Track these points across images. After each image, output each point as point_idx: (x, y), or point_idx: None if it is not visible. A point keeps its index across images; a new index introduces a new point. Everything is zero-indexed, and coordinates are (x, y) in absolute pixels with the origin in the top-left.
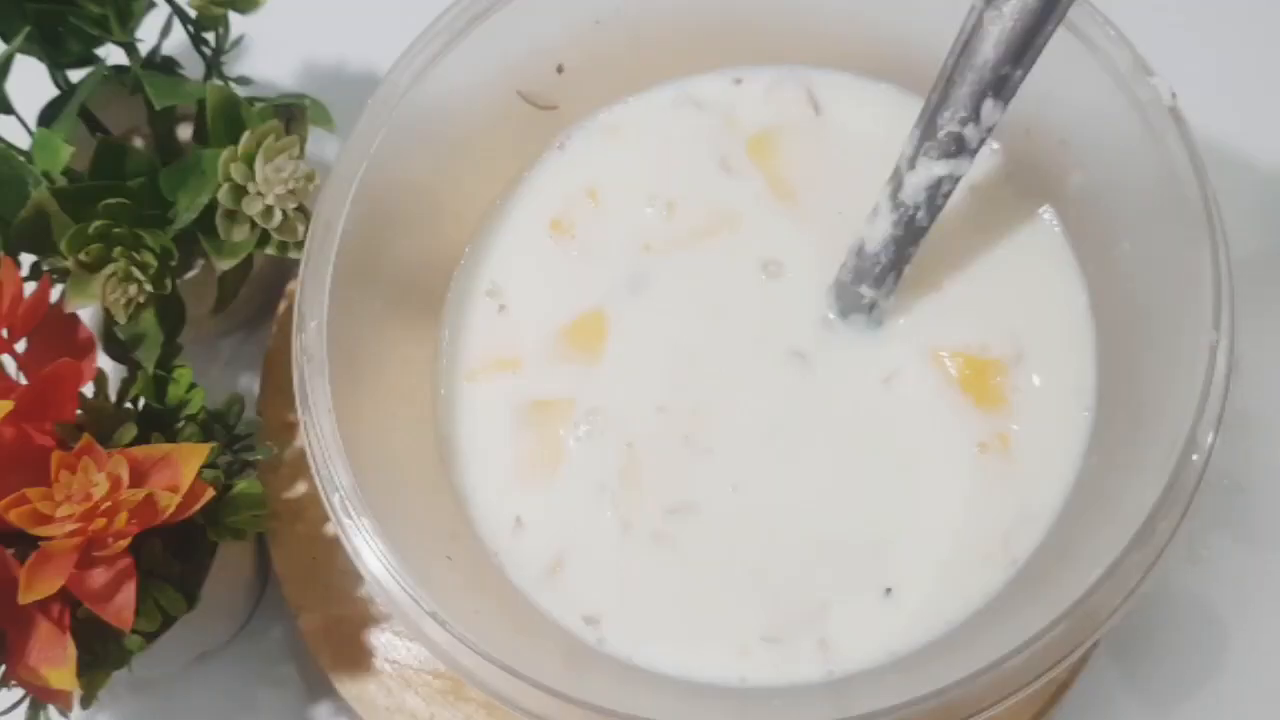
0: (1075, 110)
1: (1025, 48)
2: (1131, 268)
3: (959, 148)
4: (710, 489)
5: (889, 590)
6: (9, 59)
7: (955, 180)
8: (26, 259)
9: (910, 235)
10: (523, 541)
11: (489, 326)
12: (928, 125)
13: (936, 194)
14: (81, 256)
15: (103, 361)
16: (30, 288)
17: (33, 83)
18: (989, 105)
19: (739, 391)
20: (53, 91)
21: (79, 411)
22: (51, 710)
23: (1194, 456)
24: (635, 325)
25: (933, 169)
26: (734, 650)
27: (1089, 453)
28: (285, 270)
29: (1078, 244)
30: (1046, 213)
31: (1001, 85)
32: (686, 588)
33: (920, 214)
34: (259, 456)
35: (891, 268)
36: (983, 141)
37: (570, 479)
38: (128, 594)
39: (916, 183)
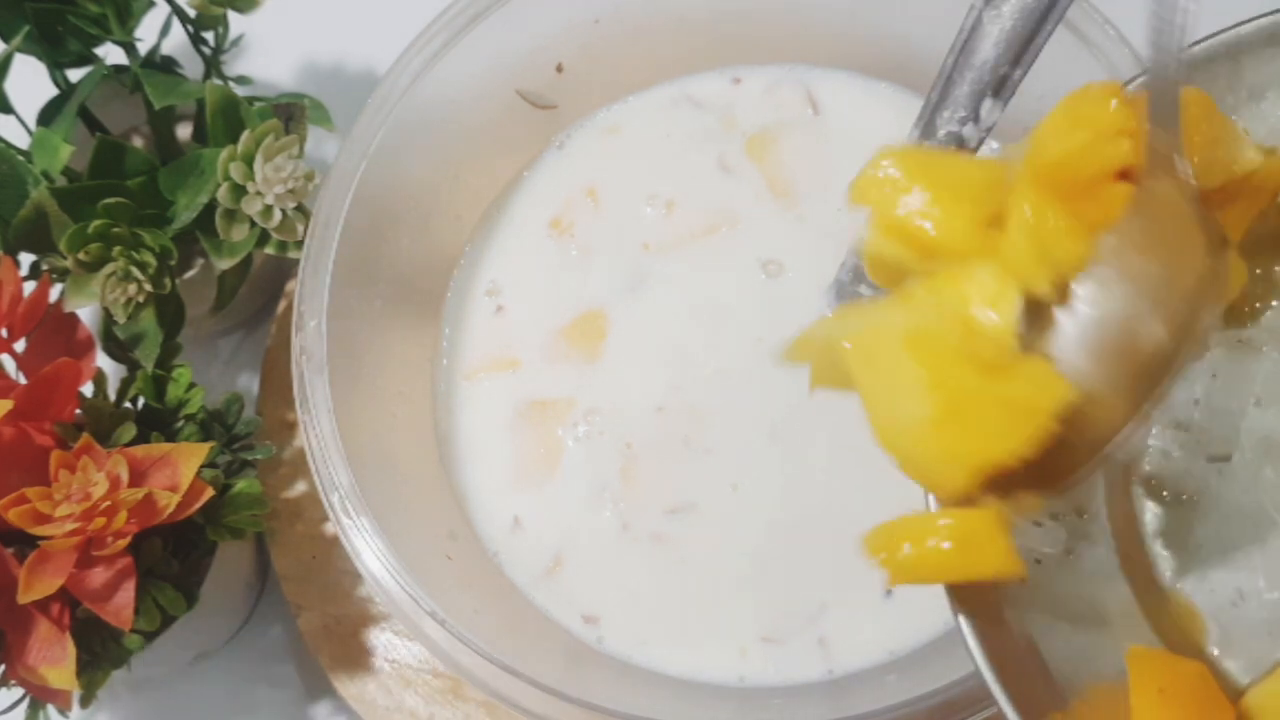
0: None
1: (1025, 47)
2: None
3: (958, 147)
4: (710, 489)
5: (889, 590)
6: (9, 58)
7: None
8: (26, 258)
9: None
10: (522, 541)
11: (488, 325)
12: (927, 125)
13: None
14: (81, 256)
15: (102, 361)
16: (30, 287)
17: (32, 82)
18: (988, 105)
19: (738, 391)
20: (52, 91)
21: (78, 411)
22: (51, 709)
23: None
24: (634, 325)
25: None
26: (734, 650)
27: None
28: (285, 270)
29: None
30: None
31: (1001, 85)
32: (686, 588)
33: None
34: (258, 456)
35: None
36: (982, 141)
37: (569, 479)
38: (127, 593)
39: None
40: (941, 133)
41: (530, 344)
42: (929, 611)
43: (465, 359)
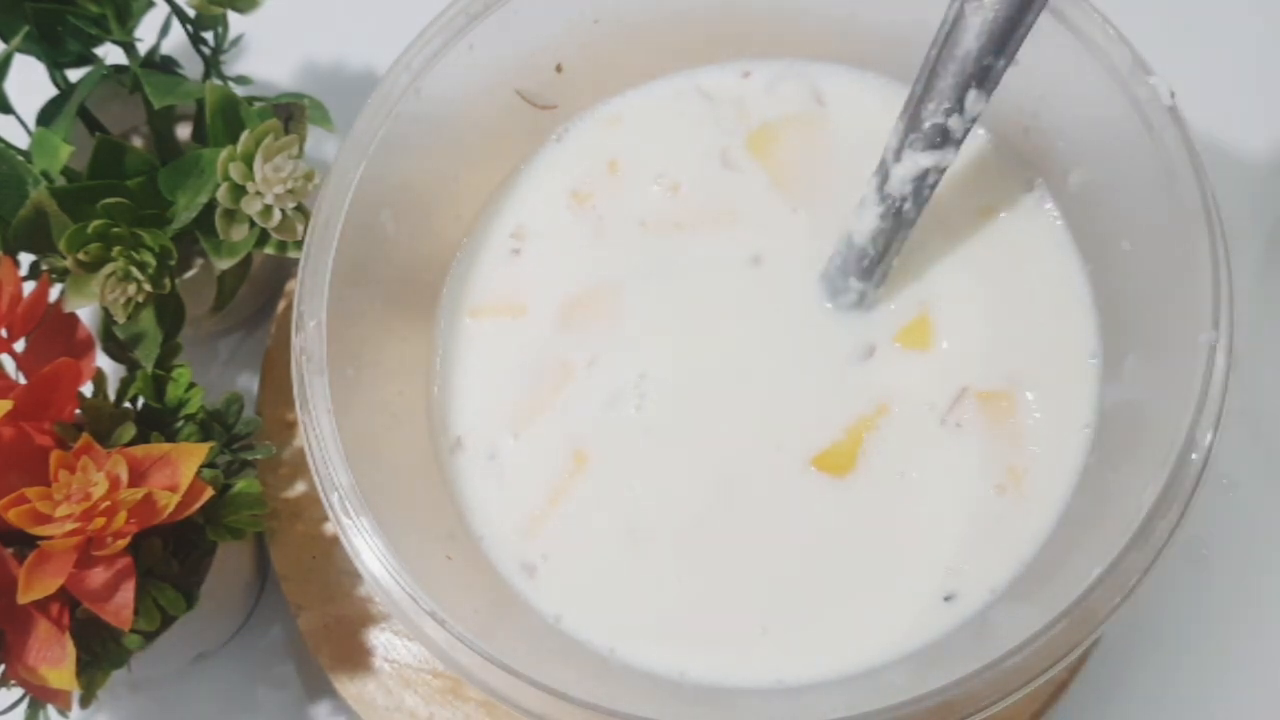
0: (1075, 110)
1: (1007, 38)
2: (1132, 266)
3: (944, 139)
4: (709, 487)
5: (890, 590)
6: (8, 58)
7: (941, 171)
8: (26, 259)
9: (897, 227)
10: (522, 542)
11: (497, 277)
12: (912, 117)
13: (923, 185)
14: (80, 256)
15: (102, 361)
16: (29, 287)
17: (32, 82)
18: (972, 96)
19: (737, 383)
20: (52, 91)
21: (78, 411)
22: (51, 710)
23: (1193, 456)
24: (635, 309)
25: (918, 160)
26: (733, 649)
27: (1089, 452)
28: (284, 270)
29: (1079, 240)
30: (1049, 208)
31: (984, 76)
32: (684, 586)
33: (907, 205)
34: (258, 456)
35: (879, 260)
36: (967, 132)
37: (569, 478)
38: (127, 593)
39: (902, 175)
40: (927, 125)
41: (539, 296)
42: (929, 612)
43: (473, 296)
